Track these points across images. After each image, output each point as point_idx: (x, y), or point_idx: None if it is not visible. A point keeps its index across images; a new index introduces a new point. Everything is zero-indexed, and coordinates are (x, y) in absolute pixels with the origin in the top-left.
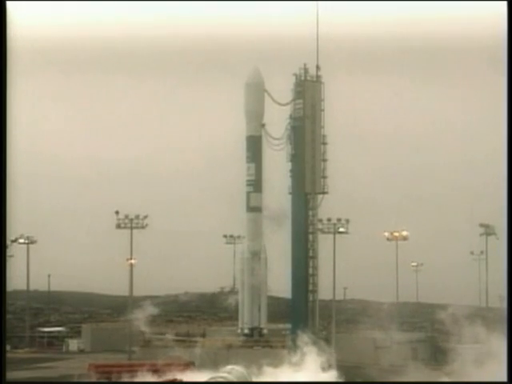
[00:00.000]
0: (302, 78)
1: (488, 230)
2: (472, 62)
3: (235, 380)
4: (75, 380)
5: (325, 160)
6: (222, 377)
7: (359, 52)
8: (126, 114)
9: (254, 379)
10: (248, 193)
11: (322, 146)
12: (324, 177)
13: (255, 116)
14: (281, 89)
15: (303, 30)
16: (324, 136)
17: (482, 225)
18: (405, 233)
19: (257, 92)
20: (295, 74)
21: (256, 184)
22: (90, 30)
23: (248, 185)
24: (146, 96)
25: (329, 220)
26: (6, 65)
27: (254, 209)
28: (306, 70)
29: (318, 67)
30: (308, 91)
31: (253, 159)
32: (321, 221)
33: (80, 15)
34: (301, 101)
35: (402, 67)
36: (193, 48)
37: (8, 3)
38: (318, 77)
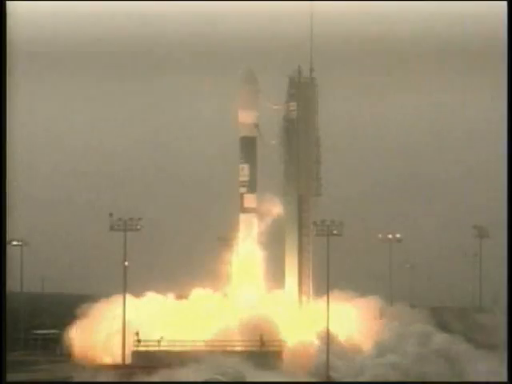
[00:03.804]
0: (296, 80)
1: (481, 232)
2: (472, 62)
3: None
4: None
5: (319, 162)
6: (216, 378)
7: (354, 52)
8: (116, 114)
9: None
10: (242, 194)
11: (316, 149)
12: (318, 179)
13: (249, 116)
14: (273, 88)
15: (297, 29)
16: (318, 138)
17: (475, 227)
18: (398, 235)
19: (250, 92)
20: (289, 77)
21: (250, 185)
22: (89, 27)
23: (242, 186)
24: (138, 94)
25: (323, 222)
26: (6, 65)
27: (248, 209)
28: (300, 72)
29: (311, 69)
30: (302, 93)
31: (247, 160)
32: (315, 223)
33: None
34: (295, 103)
35: (400, 68)
36: (185, 46)
37: (8, 3)
38: (312, 79)
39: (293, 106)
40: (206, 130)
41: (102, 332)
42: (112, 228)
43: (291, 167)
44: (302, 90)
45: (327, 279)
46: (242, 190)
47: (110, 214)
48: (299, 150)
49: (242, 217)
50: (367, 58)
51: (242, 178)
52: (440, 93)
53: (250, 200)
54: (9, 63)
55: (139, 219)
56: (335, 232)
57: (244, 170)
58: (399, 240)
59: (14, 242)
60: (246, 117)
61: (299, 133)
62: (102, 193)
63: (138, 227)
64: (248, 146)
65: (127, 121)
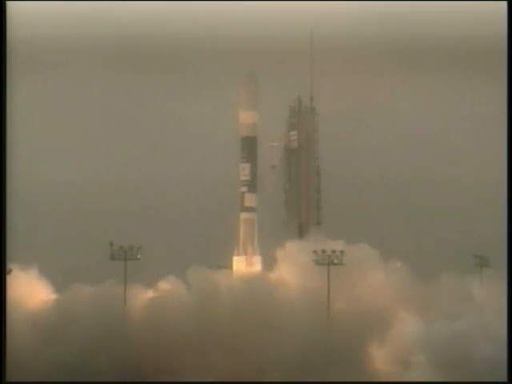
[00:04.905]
0: (297, 110)
1: (482, 261)
2: (471, 63)
3: None
4: None
5: (319, 191)
6: None
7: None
8: (114, 114)
9: None
10: (242, 193)
11: (317, 177)
12: (318, 207)
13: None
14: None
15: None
16: (318, 167)
17: (476, 256)
18: (399, 264)
19: (251, 92)
20: (289, 106)
21: (251, 184)
22: (88, 29)
23: (243, 185)
24: (137, 97)
25: (323, 251)
26: (6, 65)
27: (249, 209)
28: (300, 102)
29: (311, 98)
30: (302, 122)
31: (248, 159)
32: (315, 252)
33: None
34: (295, 132)
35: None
36: (186, 47)
37: (8, 3)
38: (312, 108)
39: (293, 135)
40: (207, 131)
41: None
42: (112, 257)
43: (292, 196)
44: (302, 119)
45: (328, 309)
46: (243, 189)
47: (111, 244)
48: (300, 178)
49: (243, 215)
50: (367, 63)
51: (242, 178)
52: (444, 102)
53: (250, 199)
54: (9, 63)
55: (139, 248)
56: (336, 261)
57: (245, 170)
58: (399, 268)
59: None
60: (246, 117)
61: (300, 162)
62: (100, 193)
63: (138, 256)
64: (249, 146)
65: (127, 121)
